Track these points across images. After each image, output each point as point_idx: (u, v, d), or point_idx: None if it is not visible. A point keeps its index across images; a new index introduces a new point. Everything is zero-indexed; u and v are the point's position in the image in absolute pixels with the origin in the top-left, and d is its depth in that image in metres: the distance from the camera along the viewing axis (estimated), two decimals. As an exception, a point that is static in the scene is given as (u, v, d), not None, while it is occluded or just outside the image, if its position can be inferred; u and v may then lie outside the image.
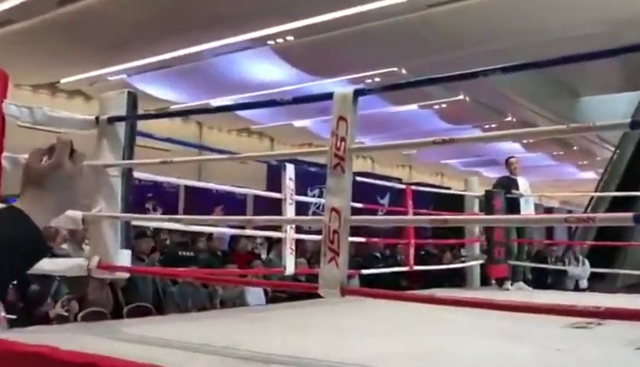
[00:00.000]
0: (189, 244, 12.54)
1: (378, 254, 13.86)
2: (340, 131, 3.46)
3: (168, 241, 13.05)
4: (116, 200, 4.57)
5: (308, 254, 11.95)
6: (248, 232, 8.67)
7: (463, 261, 10.21)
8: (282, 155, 8.46)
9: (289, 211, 6.57)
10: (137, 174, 5.06)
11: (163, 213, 18.72)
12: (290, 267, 6.52)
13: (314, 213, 16.15)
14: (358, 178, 6.35)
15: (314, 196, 17.13)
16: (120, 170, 4.61)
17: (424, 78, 3.79)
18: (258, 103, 4.45)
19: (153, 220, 8.01)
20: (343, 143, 3.44)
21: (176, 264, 9.77)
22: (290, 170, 6.72)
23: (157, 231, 11.63)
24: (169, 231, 12.10)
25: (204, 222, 7.04)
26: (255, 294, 10.04)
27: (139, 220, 5.70)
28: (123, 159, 4.58)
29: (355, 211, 3.92)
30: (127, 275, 5.27)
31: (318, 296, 3.47)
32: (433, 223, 3.61)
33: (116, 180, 4.61)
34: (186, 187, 19.04)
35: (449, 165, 36.06)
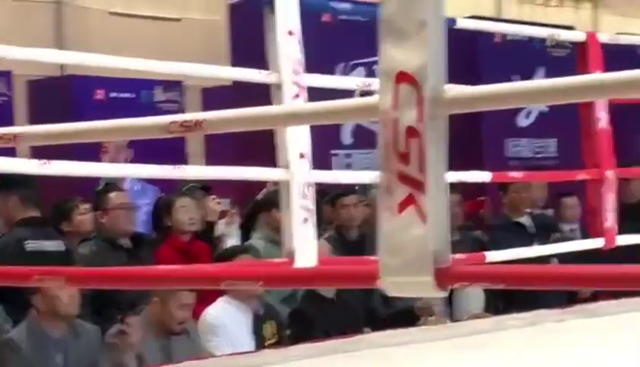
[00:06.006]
0: (46, 223, 4.71)
1: (524, 220, 5.89)
2: None
3: None
4: None
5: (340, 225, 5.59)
6: (191, 175, 3.61)
7: None
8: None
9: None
10: None
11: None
12: (307, 254, 2.60)
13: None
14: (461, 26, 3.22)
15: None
16: None
17: None
18: None
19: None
20: None
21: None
22: (288, 12, 2.60)
23: None
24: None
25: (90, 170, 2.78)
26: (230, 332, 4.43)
27: None
28: None
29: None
30: None
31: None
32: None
33: None
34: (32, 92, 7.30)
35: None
